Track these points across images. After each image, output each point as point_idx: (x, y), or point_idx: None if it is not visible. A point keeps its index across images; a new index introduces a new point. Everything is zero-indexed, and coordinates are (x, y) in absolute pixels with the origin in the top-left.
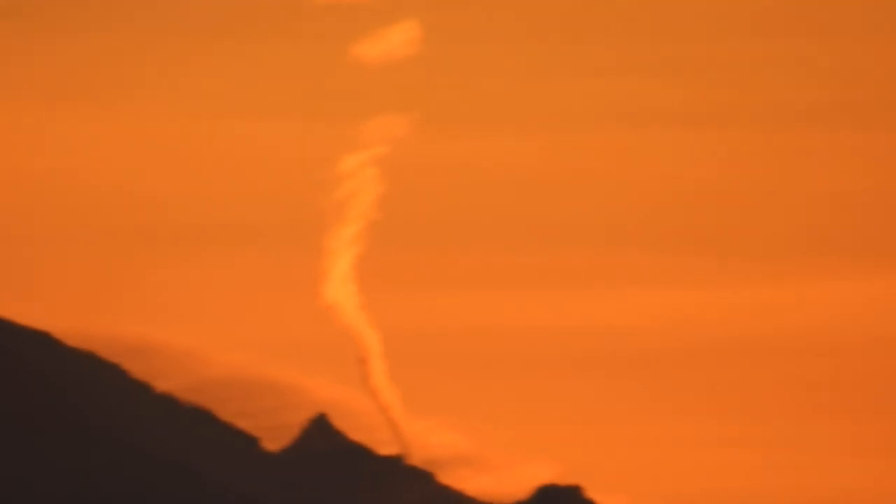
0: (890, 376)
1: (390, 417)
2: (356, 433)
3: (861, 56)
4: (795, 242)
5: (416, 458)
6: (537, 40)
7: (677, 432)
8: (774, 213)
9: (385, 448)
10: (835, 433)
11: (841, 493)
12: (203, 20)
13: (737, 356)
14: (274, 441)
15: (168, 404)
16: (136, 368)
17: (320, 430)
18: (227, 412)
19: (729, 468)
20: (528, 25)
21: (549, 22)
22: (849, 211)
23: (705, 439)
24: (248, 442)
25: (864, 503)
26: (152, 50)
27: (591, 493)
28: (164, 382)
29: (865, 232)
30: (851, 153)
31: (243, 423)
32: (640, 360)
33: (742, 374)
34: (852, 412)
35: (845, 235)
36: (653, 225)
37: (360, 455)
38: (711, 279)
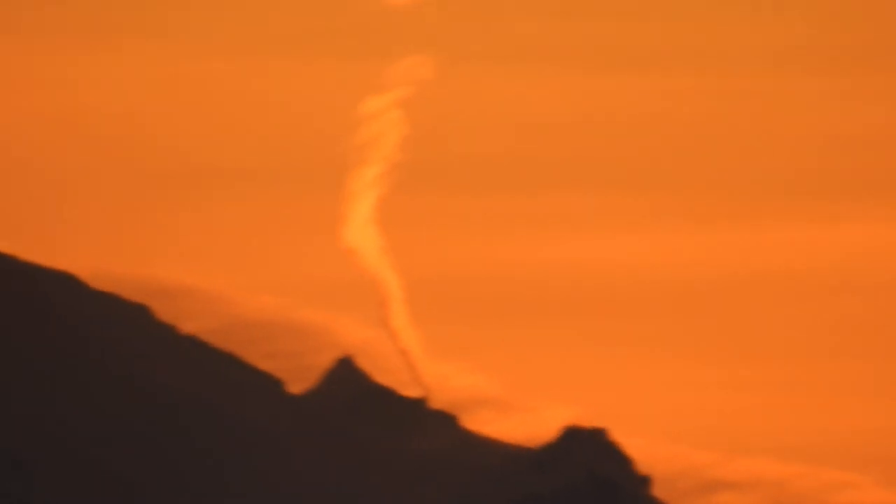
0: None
1: (410, 360)
2: (380, 376)
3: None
4: (807, 183)
5: (439, 400)
6: None
7: (699, 375)
8: (785, 154)
9: (409, 391)
10: (858, 373)
11: (859, 431)
12: None
13: (762, 296)
14: (298, 383)
15: (193, 346)
16: (162, 310)
17: (344, 373)
18: (252, 354)
19: (751, 409)
20: None
21: None
22: (859, 154)
23: (730, 381)
24: (272, 384)
25: (881, 440)
26: None
27: (614, 434)
28: (190, 324)
29: (875, 175)
30: (852, 95)
31: (268, 366)
32: (663, 302)
33: (768, 315)
34: (873, 352)
35: (854, 178)
36: (680, 166)
37: (383, 397)
38: (742, 218)
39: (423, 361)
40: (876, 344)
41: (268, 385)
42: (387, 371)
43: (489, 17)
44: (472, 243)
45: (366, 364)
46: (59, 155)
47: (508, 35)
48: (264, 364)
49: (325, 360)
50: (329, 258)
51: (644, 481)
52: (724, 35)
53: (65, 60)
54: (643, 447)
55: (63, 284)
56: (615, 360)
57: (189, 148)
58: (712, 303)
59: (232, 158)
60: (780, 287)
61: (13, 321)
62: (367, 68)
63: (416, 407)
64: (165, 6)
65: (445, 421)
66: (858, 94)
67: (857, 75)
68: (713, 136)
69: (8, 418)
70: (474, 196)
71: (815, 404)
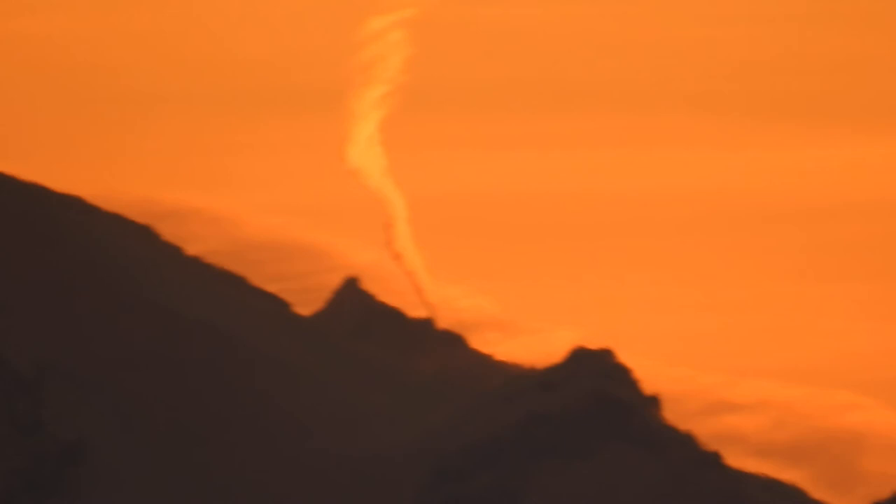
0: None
1: (415, 282)
2: (387, 296)
3: None
4: (801, 106)
5: (446, 321)
6: None
7: (704, 297)
8: (782, 78)
9: (415, 312)
10: (864, 297)
11: (864, 354)
12: None
13: (764, 219)
14: (305, 305)
15: (199, 267)
16: (168, 232)
17: (351, 294)
18: (258, 276)
19: (756, 331)
20: None
21: None
22: (852, 76)
23: (735, 303)
24: (279, 305)
25: (886, 362)
26: None
27: (623, 355)
28: (195, 246)
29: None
30: (852, 21)
31: (274, 287)
32: (668, 225)
33: (772, 237)
34: (880, 275)
35: (852, 102)
36: (683, 88)
37: (390, 318)
38: (745, 141)
39: (428, 282)
40: (883, 267)
41: (275, 307)
42: (393, 292)
43: None
44: (477, 164)
45: (372, 285)
46: (66, 80)
47: None
48: (270, 286)
49: (331, 282)
50: (334, 179)
51: (652, 401)
52: None
53: None
54: (649, 368)
55: (70, 206)
56: (620, 282)
57: (194, 72)
58: (716, 225)
59: (235, 80)
60: (782, 209)
61: (21, 242)
62: None
63: (423, 327)
64: None
65: (452, 341)
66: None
67: None
68: (719, 61)
69: (17, 338)
70: (478, 118)
71: (820, 327)
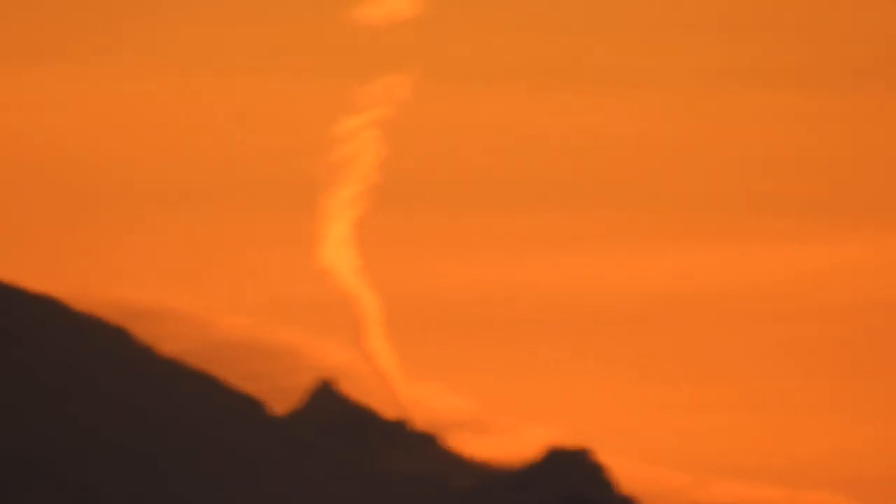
0: (867, 338)
1: (388, 382)
2: (361, 396)
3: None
4: (776, 202)
5: (420, 422)
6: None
7: (678, 395)
8: (755, 173)
9: (389, 412)
10: (830, 395)
11: (832, 452)
12: None
13: (739, 316)
14: (278, 405)
15: (172, 367)
16: (141, 331)
17: (325, 395)
18: (232, 375)
19: (729, 430)
20: None
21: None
22: (825, 173)
23: (708, 402)
24: (252, 405)
25: (853, 460)
26: (144, 5)
27: (598, 455)
28: (168, 345)
29: (849, 194)
30: (807, 112)
31: (248, 387)
32: (640, 322)
33: (746, 336)
34: (849, 372)
35: (835, 196)
36: (654, 185)
37: (364, 419)
38: (718, 236)
39: (401, 383)
40: (848, 365)
41: (248, 407)
42: (367, 392)
43: (466, 38)
44: (449, 263)
45: (346, 385)
46: (39, 181)
47: (485, 55)
48: (244, 385)
49: (304, 381)
50: (306, 279)
51: (628, 502)
52: (696, 53)
53: (27, 80)
54: (625, 467)
55: (45, 307)
56: (594, 381)
57: (166, 169)
58: (689, 322)
59: (208, 179)
60: (758, 306)
61: None
62: (343, 88)
63: (397, 428)
64: (141, 21)
65: (425, 441)
66: (824, 112)
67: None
68: (688, 155)
69: None
70: (451, 216)
71: (792, 426)
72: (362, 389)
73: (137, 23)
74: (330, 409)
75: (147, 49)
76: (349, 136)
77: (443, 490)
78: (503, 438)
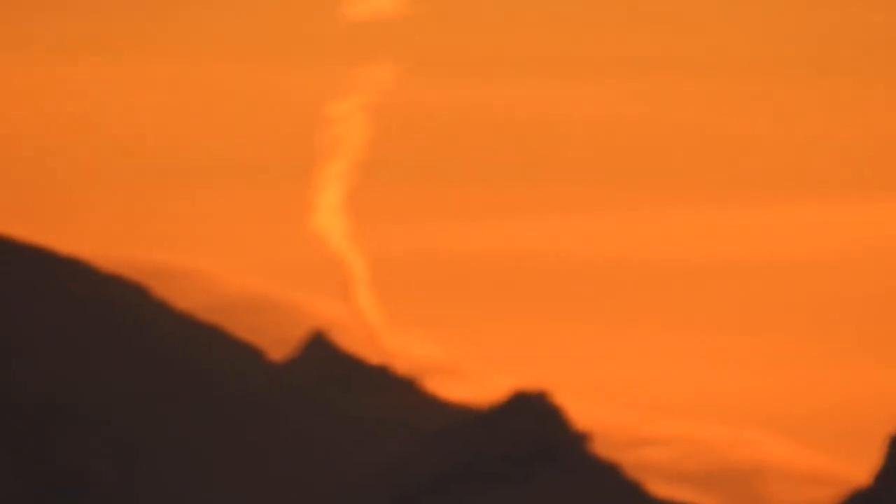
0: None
1: (373, 333)
2: (350, 346)
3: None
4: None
5: (401, 368)
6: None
7: (629, 344)
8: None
9: (375, 360)
10: (757, 342)
11: (762, 393)
12: None
13: (683, 275)
14: (277, 353)
15: (185, 321)
16: (159, 289)
17: (318, 345)
18: (237, 327)
19: (674, 374)
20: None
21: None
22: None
23: (653, 349)
24: (254, 354)
25: (779, 401)
26: (165, 8)
27: (557, 398)
28: (182, 302)
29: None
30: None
31: (250, 337)
32: (596, 282)
33: (689, 292)
34: (763, 325)
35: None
36: (613, 159)
37: (352, 366)
38: (641, 206)
39: (385, 334)
40: (765, 319)
41: (250, 355)
42: (355, 342)
43: (445, 33)
44: (428, 227)
45: (336, 336)
46: (70, 154)
47: (463, 49)
48: (247, 336)
49: (299, 333)
50: (301, 243)
51: (582, 437)
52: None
53: (74, 69)
54: (581, 408)
55: (73, 268)
56: (555, 332)
57: (181, 146)
58: (638, 282)
59: (218, 156)
60: (703, 265)
61: (32, 298)
62: (335, 76)
63: (381, 374)
64: (165, 21)
65: (406, 386)
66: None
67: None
68: (660, 138)
69: (27, 380)
70: (429, 188)
71: (727, 371)
72: (351, 340)
73: (163, 23)
74: (322, 357)
75: (160, 47)
76: (340, 118)
77: (420, 427)
78: (474, 383)
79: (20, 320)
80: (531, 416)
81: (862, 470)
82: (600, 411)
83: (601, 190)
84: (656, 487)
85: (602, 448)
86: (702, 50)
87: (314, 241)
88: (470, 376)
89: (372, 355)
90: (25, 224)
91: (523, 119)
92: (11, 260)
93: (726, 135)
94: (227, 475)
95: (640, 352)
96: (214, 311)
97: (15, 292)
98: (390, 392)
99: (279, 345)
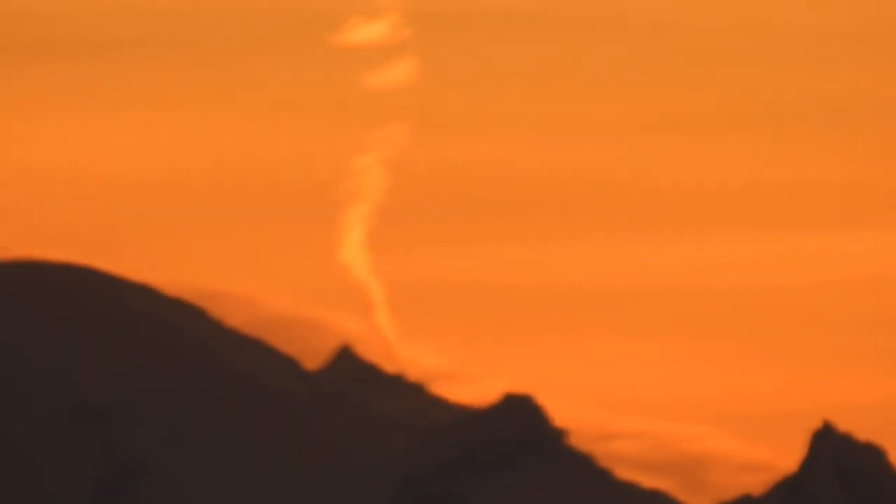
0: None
1: (390, 346)
2: (370, 357)
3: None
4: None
5: (413, 375)
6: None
7: (602, 352)
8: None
9: (391, 368)
10: (716, 347)
11: (717, 394)
12: (244, 55)
13: (647, 300)
14: (310, 363)
15: (234, 335)
16: (213, 309)
17: (344, 356)
18: (276, 341)
19: (641, 377)
20: (511, 57)
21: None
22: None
23: (628, 356)
24: (291, 363)
25: (733, 401)
26: (229, 72)
27: (541, 399)
28: (232, 319)
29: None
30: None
31: (288, 349)
32: (581, 305)
33: (658, 311)
34: (722, 328)
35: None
36: (603, 201)
37: (372, 374)
38: (614, 236)
39: (399, 346)
40: (717, 334)
41: (287, 364)
42: (375, 353)
43: (451, 97)
44: (435, 260)
45: (360, 349)
46: (138, 191)
47: (467, 111)
48: (284, 348)
49: (328, 346)
50: (331, 271)
51: (562, 432)
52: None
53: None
54: (560, 408)
55: (141, 292)
56: (539, 345)
57: (230, 192)
58: (615, 304)
59: (261, 200)
60: (676, 288)
61: (101, 325)
62: (357, 135)
63: (395, 380)
64: (222, 88)
65: (417, 389)
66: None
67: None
68: (670, 191)
69: (96, 381)
70: (438, 228)
71: (682, 374)
72: (371, 352)
73: (215, 86)
74: (348, 366)
75: (226, 113)
76: (362, 170)
77: (427, 423)
78: (473, 387)
79: (90, 338)
80: (519, 414)
81: (790, 459)
82: (576, 410)
83: (583, 223)
84: (623, 474)
85: (578, 441)
86: (692, 108)
87: (341, 269)
88: (469, 381)
89: (388, 364)
90: (100, 254)
91: (522, 171)
92: (89, 286)
93: (719, 180)
94: (267, 463)
95: (610, 361)
96: (259, 328)
97: (89, 314)
98: (403, 395)
99: (312, 356)
